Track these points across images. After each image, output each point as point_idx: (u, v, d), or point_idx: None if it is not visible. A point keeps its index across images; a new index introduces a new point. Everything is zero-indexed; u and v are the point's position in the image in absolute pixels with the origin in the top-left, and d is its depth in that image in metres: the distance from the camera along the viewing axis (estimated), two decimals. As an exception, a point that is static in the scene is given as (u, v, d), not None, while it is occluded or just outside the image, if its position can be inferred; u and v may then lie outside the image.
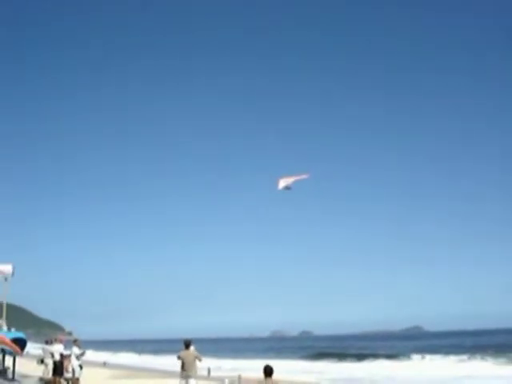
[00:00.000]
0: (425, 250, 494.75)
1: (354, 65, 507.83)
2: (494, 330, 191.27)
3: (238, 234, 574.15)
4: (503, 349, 69.50)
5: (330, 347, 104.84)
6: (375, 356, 68.53)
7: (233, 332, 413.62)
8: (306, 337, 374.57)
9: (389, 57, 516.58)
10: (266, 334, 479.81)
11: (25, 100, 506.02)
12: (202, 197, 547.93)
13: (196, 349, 18.49)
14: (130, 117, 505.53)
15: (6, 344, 21.55)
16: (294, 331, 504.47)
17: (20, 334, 24.63)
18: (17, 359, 24.41)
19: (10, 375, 25.87)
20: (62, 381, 23.54)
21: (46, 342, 25.19)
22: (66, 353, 23.76)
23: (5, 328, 25.32)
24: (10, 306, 28.47)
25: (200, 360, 18.58)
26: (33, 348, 48.74)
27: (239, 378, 32.47)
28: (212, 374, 42.96)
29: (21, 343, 23.47)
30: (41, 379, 25.52)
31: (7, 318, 26.49)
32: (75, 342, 23.79)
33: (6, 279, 25.49)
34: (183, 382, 18.04)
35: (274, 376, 12.51)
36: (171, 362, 36.51)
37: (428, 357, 63.56)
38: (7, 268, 25.31)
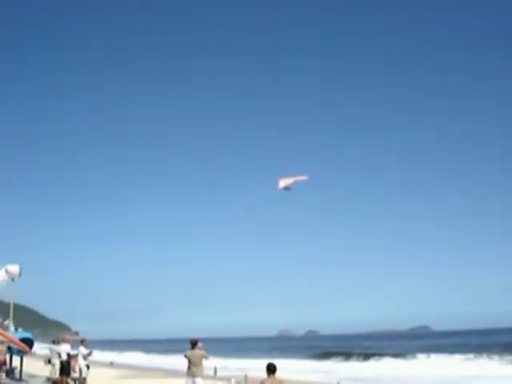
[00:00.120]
0: (429, 249, 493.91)
1: (354, 65, 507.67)
2: (501, 329, 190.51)
3: (241, 234, 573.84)
4: (510, 348, 69.28)
5: (337, 346, 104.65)
6: (381, 355, 68.47)
7: (239, 331, 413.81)
8: (313, 336, 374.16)
9: (389, 57, 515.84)
10: (272, 333, 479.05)
11: (25, 100, 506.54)
12: (202, 197, 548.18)
13: (203, 348, 18.52)
14: (130, 117, 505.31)
15: (14, 343, 21.69)
16: (300, 331, 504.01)
17: (27, 334, 24.79)
18: (24, 359, 24.56)
19: (17, 375, 26.05)
20: (69, 380, 23.60)
21: (53, 342, 25.27)
22: (72, 353, 23.83)
23: (12, 328, 25.47)
24: (17, 306, 28.60)
25: (207, 358, 18.63)
26: (40, 348, 48.93)
27: (246, 377, 32.52)
28: (218, 373, 43.01)
29: (28, 343, 23.61)
30: (48, 379, 25.61)
31: (14, 318, 26.63)
32: (83, 342, 23.86)
33: (13, 279, 25.64)
34: (190, 381, 18.08)
35: (280, 375, 12.54)
36: (178, 362, 36.64)
37: (433, 356, 63.47)
38: (14, 268, 25.44)
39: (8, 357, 26.59)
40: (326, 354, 79.06)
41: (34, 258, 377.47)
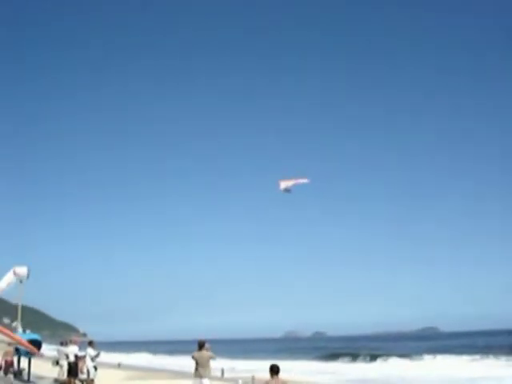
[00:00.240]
0: (435, 251, 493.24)
1: (354, 65, 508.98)
2: (508, 331, 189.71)
3: (246, 235, 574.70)
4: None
5: (344, 348, 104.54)
6: (388, 356, 68.32)
7: (245, 333, 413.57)
8: (320, 337, 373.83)
9: (389, 57, 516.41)
10: (279, 334, 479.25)
11: (25, 100, 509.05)
12: (204, 197, 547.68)
13: (210, 349, 18.56)
14: (130, 117, 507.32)
15: (22, 344, 21.78)
16: (307, 332, 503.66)
17: (35, 336, 24.89)
18: (32, 361, 24.65)
19: (25, 376, 26.16)
20: (77, 382, 23.67)
21: (61, 344, 25.35)
22: (80, 354, 23.91)
23: (20, 330, 25.57)
24: (25, 308, 28.69)
25: (214, 359, 18.67)
26: (48, 349, 49.06)
27: (253, 378, 32.57)
28: (226, 374, 43.06)
29: (36, 345, 23.70)
30: (56, 380, 25.69)
31: (22, 320, 26.74)
32: (90, 344, 23.94)
33: (21, 281, 25.74)
34: (197, 382, 18.11)
35: (288, 376, 12.60)
36: (185, 363, 36.67)
37: (440, 357, 63.26)
38: (22, 270, 25.56)
39: (16, 358, 26.71)
40: (332, 356, 78.91)
41: (41, 258, 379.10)
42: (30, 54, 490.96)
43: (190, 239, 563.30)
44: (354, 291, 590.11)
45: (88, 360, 23.37)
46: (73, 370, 23.57)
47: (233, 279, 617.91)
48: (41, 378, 29.25)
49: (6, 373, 28.09)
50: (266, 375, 12.61)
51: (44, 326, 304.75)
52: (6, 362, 28.61)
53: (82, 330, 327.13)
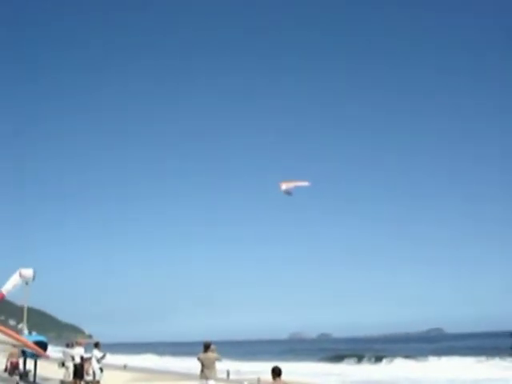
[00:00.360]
0: (441, 252, 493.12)
1: (354, 65, 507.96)
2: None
3: (252, 236, 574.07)
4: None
5: (349, 349, 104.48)
6: (393, 358, 68.21)
7: (251, 334, 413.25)
8: (325, 339, 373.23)
9: (389, 57, 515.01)
10: (284, 336, 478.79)
11: (25, 100, 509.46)
12: (206, 197, 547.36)
13: (216, 350, 18.58)
14: (130, 117, 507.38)
15: (29, 347, 21.82)
16: (312, 333, 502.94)
17: (41, 338, 24.94)
18: (38, 362, 24.71)
19: (31, 378, 26.24)
20: (83, 383, 23.76)
21: (67, 345, 25.41)
22: (86, 356, 23.98)
23: (26, 331, 25.63)
24: (30, 310, 28.74)
25: (220, 360, 18.69)
26: (53, 351, 49.21)
27: (258, 380, 32.59)
28: (231, 376, 43.07)
29: (42, 346, 23.73)
30: (62, 382, 25.74)
31: (28, 322, 26.80)
32: (97, 345, 24.01)
33: (26, 283, 25.80)
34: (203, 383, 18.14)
35: (292, 379, 12.63)
36: (191, 365, 36.71)
37: (445, 358, 63.03)
38: (28, 272, 25.61)
39: (22, 360, 26.79)
40: (338, 357, 78.88)
41: (45, 260, 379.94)
42: (30, 54, 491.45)
43: (192, 240, 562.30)
44: (360, 293, 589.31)
45: (94, 362, 23.44)
46: (78, 371, 23.64)
47: (238, 280, 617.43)
48: (47, 379, 29.32)
49: (11, 374, 28.23)
50: (271, 377, 12.64)
51: (50, 328, 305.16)
52: (11, 363, 28.75)
53: (87, 332, 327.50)
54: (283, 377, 12.54)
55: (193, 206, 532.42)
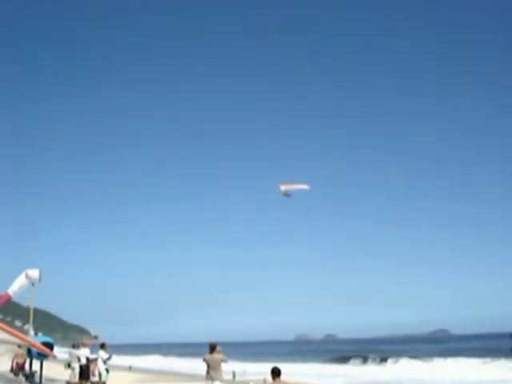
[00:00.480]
0: (448, 252, 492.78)
1: (354, 65, 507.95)
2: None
3: (257, 237, 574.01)
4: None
5: (355, 350, 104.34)
6: (398, 359, 68.11)
7: (258, 336, 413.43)
8: (331, 340, 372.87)
9: (389, 57, 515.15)
10: (291, 337, 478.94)
11: (25, 100, 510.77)
12: (210, 198, 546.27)
13: (222, 351, 18.56)
14: (130, 117, 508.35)
15: (35, 346, 21.84)
16: (318, 335, 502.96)
17: (47, 339, 24.90)
18: (44, 363, 24.70)
19: (37, 379, 26.21)
20: (89, 384, 23.78)
21: (73, 347, 25.41)
22: (92, 357, 23.98)
23: (32, 332, 25.63)
24: (36, 311, 28.75)
25: (226, 361, 18.67)
26: (59, 352, 49.27)
27: (264, 381, 32.53)
28: (237, 377, 43.10)
29: (48, 347, 23.74)
30: (68, 383, 25.76)
31: (34, 323, 26.80)
32: (102, 346, 24.01)
33: (32, 284, 25.78)
34: (209, 384, 18.13)
35: (297, 380, 12.66)
36: (197, 366, 36.68)
37: (451, 360, 62.82)
38: (34, 273, 25.58)
39: (28, 361, 26.79)
40: (343, 358, 78.81)
41: (47, 260, 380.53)
42: (30, 54, 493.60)
43: (193, 240, 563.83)
44: (366, 294, 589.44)
45: (100, 363, 23.45)
46: (84, 372, 23.64)
47: (244, 281, 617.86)
48: (52, 380, 29.34)
49: (16, 374, 28.24)
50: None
51: (56, 329, 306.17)
52: (17, 363, 28.76)
53: (93, 333, 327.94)
54: (289, 378, 12.56)
55: (194, 207, 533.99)
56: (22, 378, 27.34)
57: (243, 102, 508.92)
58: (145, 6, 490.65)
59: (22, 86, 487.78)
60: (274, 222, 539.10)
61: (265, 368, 53.93)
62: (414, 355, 73.84)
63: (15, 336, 19.25)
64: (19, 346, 27.57)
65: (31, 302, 26.85)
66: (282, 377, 12.48)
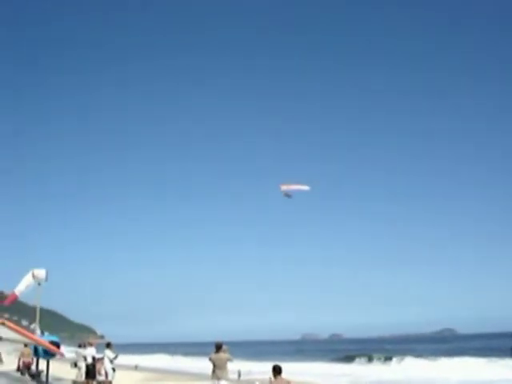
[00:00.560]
0: (455, 252, 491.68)
1: (354, 65, 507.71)
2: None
3: (261, 237, 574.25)
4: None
5: (360, 350, 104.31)
6: (403, 358, 68.03)
7: (264, 335, 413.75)
8: (336, 339, 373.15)
9: (389, 57, 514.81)
10: (297, 336, 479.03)
11: (25, 100, 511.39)
12: (216, 197, 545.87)
13: (227, 351, 18.61)
14: (130, 117, 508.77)
15: (42, 344, 21.97)
16: (324, 334, 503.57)
17: (53, 338, 25.02)
18: (50, 362, 24.81)
19: (43, 378, 26.33)
20: (95, 383, 23.88)
21: (80, 346, 25.53)
22: (98, 356, 24.10)
23: (38, 332, 25.75)
24: (43, 310, 28.90)
25: (231, 361, 18.72)
26: (66, 351, 49.42)
27: (270, 380, 32.54)
28: (242, 376, 43.15)
29: (54, 346, 23.86)
30: (74, 382, 25.86)
31: (40, 322, 26.92)
32: (109, 346, 24.11)
33: (39, 284, 25.89)
34: (214, 384, 18.18)
35: (301, 379, 12.76)
36: (203, 365, 36.76)
37: (457, 359, 62.65)
38: (41, 273, 25.68)
39: (34, 360, 26.91)
40: (349, 357, 78.79)
41: (59, 260, 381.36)
42: (30, 54, 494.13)
43: (194, 240, 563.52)
44: (372, 293, 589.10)
45: (106, 362, 23.55)
46: (91, 371, 23.75)
47: (251, 281, 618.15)
48: (59, 379, 29.45)
49: (23, 373, 28.40)
50: (283, 377, 12.71)
51: (62, 328, 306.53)
52: (23, 362, 28.94)
53: (99, 332, 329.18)
54: (293, 377, 12.64)
55: (192, 206, 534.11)
56: (28, 377, 27.50)
57: (243, 102, 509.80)
58: (145, 6, 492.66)
59: (22, 86, 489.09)
60: (274, 222, 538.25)
61: (270, 367, 54.16)
62: (419, 354, 73.81)
63: (24, 335, 19.39)
64: (26, 345, 27.72)
65: (37, 302, 26.98)
66: (283, 374, 12.58)
